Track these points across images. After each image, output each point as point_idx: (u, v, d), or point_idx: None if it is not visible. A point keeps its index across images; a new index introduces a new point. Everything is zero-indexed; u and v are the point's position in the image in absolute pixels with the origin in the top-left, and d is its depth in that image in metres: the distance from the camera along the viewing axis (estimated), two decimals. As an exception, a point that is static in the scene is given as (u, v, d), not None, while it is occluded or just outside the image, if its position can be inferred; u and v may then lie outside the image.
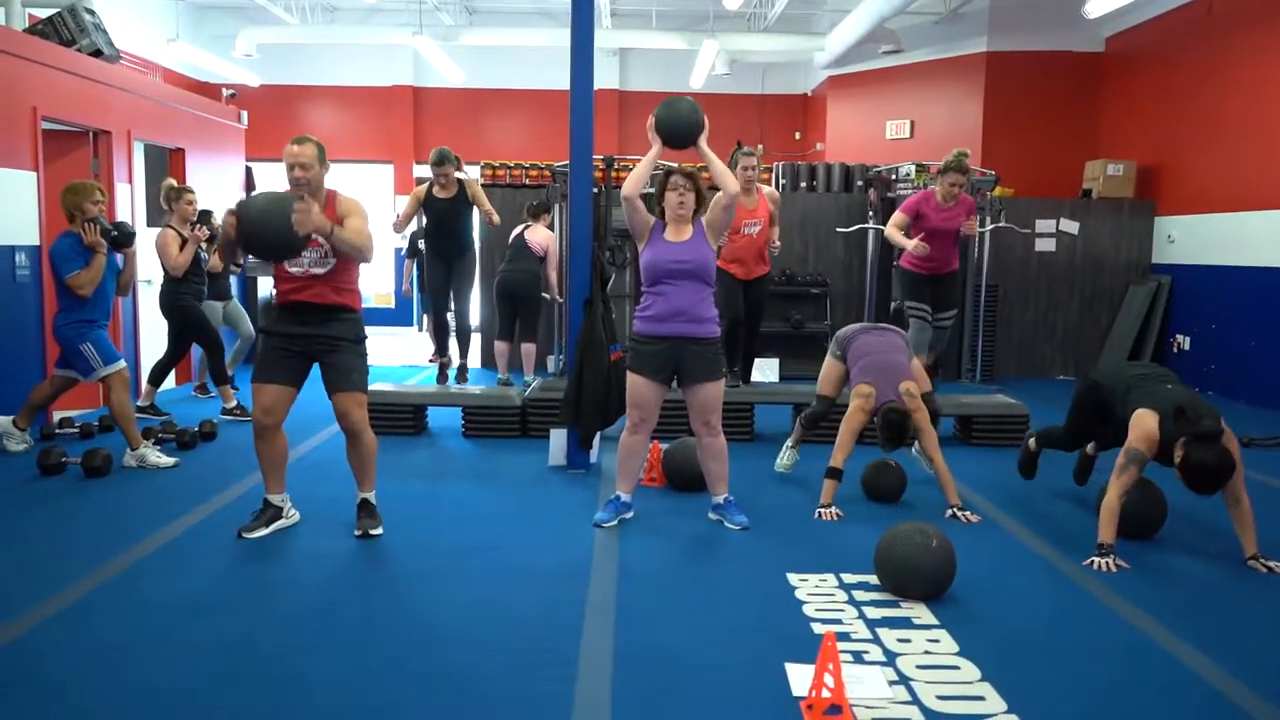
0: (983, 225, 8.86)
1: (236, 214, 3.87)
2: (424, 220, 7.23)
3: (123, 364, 5.43)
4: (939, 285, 6.60)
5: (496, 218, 7.14)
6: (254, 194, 3.87)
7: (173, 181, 6.97)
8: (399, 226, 7.13)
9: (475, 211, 7.16)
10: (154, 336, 7.86)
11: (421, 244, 7.68)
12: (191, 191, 6.77)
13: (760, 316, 6.71)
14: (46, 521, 4.41)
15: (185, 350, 7.04)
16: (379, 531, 4.17)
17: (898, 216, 6.39)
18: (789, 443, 5.32)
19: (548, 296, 7.98)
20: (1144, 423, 3.98)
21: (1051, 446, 4.98)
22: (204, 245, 6.79)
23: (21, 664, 2.91)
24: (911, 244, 6.19)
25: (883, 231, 8.97)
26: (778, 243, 6.43)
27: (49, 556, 3.90)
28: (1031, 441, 5.08)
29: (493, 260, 7.92)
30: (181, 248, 6.59)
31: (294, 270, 4.01)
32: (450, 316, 7.76)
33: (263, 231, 3.82)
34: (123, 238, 5.50)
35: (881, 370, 4.77)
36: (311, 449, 5.77)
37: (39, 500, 4.73)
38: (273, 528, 4.19)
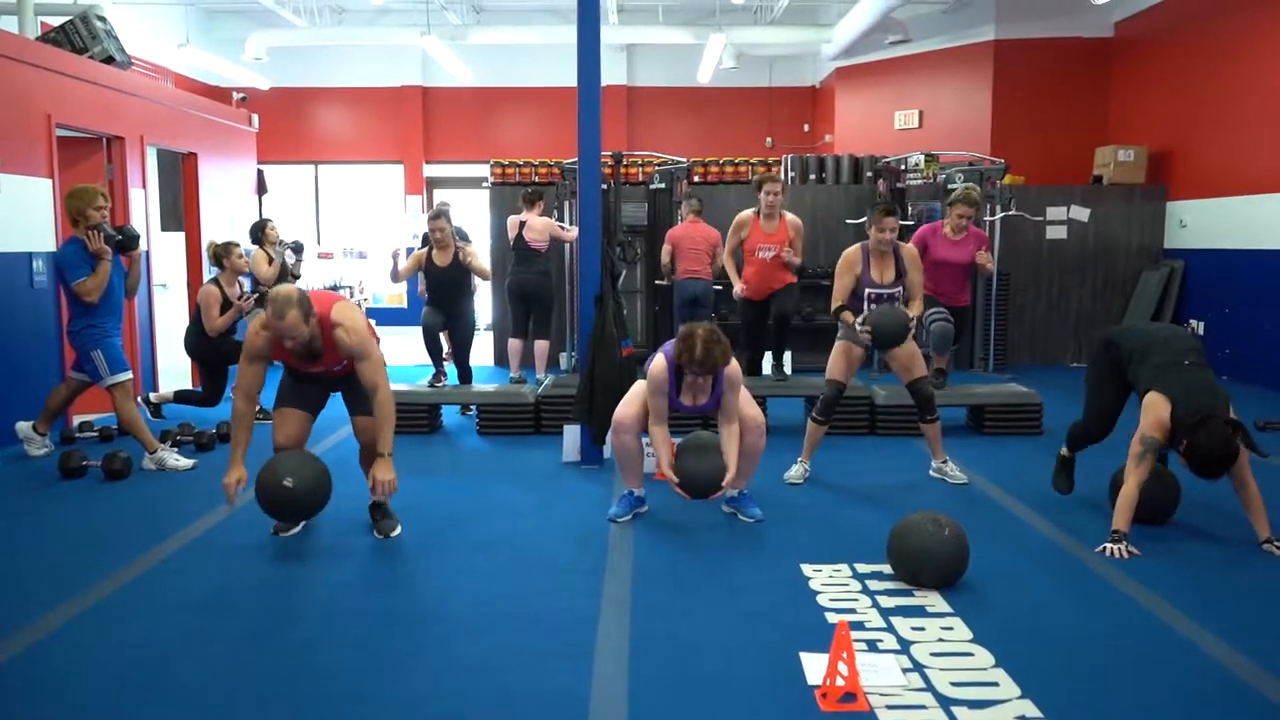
0: (993, 214, 8.85)
1: (263, 486, 3.93)
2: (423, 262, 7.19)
3: (129, 375, 5.47)
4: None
5: (487, 270, 7.24)
6: (288, 469, 3.95)
7: (216, 239, 6.92)
8: (397, 279, 7.14)
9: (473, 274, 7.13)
10: (171, 339, 7.94)
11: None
12: (239, 245, 6.63)
13: (788, 321, 6.61)
14: (69, 524, 4.47)
15: (220, 391, 6.64)
16: (398, 532, 4.21)
17: None
18: (800, 457, 5.18)
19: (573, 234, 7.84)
20: (1156, 409, 3.97)
21: (1081, 444, 4.67)
22: (247, 315, 6.51)
23: (50, 663, 2.97)
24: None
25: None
26: (797, 259, 6.40)
27: (72, 558, 3.96)
28: (1064, 450, 4.72)
29: (503, 262, 7.97)
30: (223, 310, 6.43)
31: (313, 370, 4.07)
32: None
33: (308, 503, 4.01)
34: (127, 241, 5.52)
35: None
36: (327, 449, 5.82)
37: (61, 503, 4.79)
38: (302, 523, 4.27)
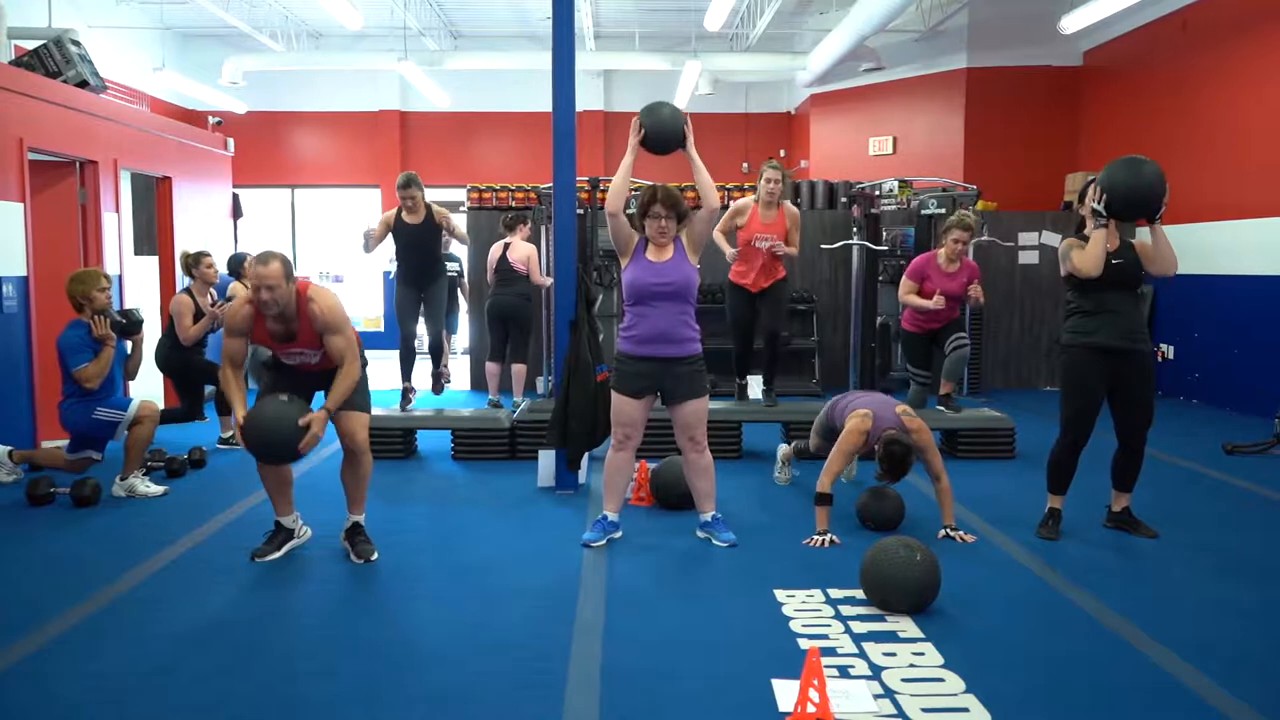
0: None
1: (244, 427, 3.97)
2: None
3: (137, 402, 5.36)
4: (942, 335, 6.52)
5: (463, 233, 7.32)
6: (262, 404, 4.02)
7: (188, 249, 6.90)
8: (370, 248, 7.03)
9: (446, 237, 7.12)
10: (143, 385, 7.81)
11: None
12: (209, 255, 6.66)
13: (780, 322, 6.53)
14: (37, 551, 4.41)
15: (199, 405, 6.66)
16: (376, 557, 4.18)
17: (906, 283, 6.40)
18: (783, 461, 5.27)
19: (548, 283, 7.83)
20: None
21: (1064, 469, 4.56)
22: (219, 324, 6.57)
23: (18, 692, 2.92)
24: (931, 302, 6.23)
25: (867, 248, 9.09)
26: (793, 250, 6.33)
27: (38, 587, 3.90)
28: (1052, 502, 4.66)
29: (482, 284, 7.96)
30: (196, 318, 6.41)
31: (289, 362, 4.15)
32: (422, 334, 7.69)
33: (267, 441, 3.96)
34: (130, 325, 5.47)
35: (873, 401, 4.76)
36: (302, 474, 5.77)
37: (29, 530, 4.73)
38: (285, 549, 4.24)
